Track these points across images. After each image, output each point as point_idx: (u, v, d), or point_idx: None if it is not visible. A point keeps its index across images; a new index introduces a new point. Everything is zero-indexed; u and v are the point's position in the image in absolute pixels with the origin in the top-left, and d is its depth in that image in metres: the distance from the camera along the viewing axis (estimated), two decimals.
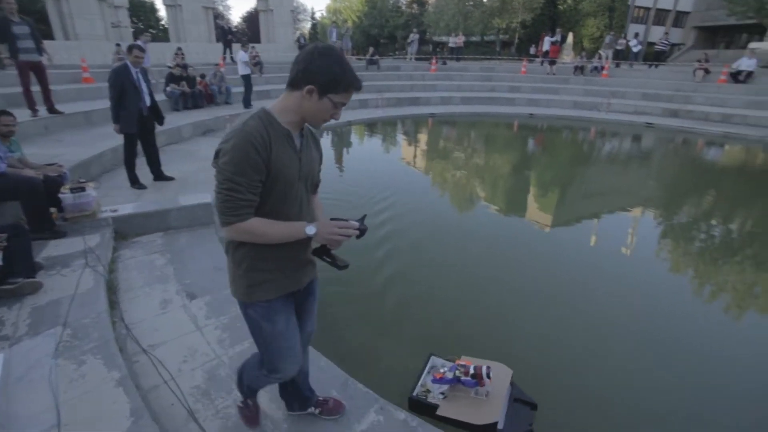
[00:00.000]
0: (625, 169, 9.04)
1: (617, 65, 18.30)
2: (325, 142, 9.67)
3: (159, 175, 5.36)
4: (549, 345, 3.07)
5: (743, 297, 4.09)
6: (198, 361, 2.35)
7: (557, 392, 2.59)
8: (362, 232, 1.39)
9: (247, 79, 10.58)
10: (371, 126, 11.76)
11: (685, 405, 2.58)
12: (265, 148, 1.27)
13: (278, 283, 1.49)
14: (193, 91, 10.07)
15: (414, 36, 21.10)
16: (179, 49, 10.79)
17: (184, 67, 10.14)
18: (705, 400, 2.63)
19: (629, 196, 7.13)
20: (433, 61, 19.49)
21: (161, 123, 5.15)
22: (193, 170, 5.88)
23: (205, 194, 4.42)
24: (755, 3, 16.89)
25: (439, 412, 2.22)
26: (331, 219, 1.42)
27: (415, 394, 2.36)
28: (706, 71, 15.25)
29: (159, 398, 2.10)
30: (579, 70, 17.71)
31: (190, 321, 2.71)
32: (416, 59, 21.07)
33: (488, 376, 2.26)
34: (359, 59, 19.38)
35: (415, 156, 9.32)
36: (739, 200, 7.17)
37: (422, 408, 2.27)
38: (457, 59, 21.65)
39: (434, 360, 2.61)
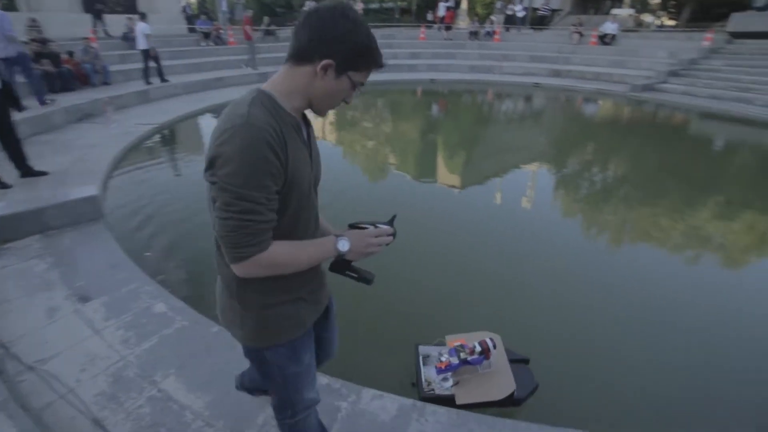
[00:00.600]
0: (520, 127, 9.84)
1: (507, 30, 19.47)
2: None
3: (27, 171, 4.61)
4: (470, 305, 3.31)
5: (631, 231, 4.79)
6: (99, 367, 2.15)
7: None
8: (394, 236, 1.18)
9: (146, 54, 9.50)
10: None
11: (576, 329, 2.98)
12: (282, 146, 0.94)
13: (303, 316, 1.21)
14: (60, 71, 8.67)
15: (310, 4, 20.26)
16: (33, 20, 9.14)
17: (43, 42, 8.64)
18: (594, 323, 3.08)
19: (526, 151, 7.81)
20: None
21: (19, 108, 4.40)
22: (70, 161, 5.15)
23: (90, 187, 3.93)
24: None
25: (459, 402, 2.14)
26: (351, 226, 1.17)
27: (424, 391, 2.22)
28: (580, 34, 16.91)
29: (56, 415, 1.89)
30: (473, 35, 18.54)
31: (85, 326, 2.45)
32: None
33: (494, 347, 2.24)
34: (255, 30, 18.19)
35: (323, 130, 9.17)
36: (614, 148, 8.24)
37: (438, 403, 2.11)
38: None
39: (423, 349, 2.46)
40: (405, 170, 6.74)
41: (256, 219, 0.93)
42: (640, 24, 25.55)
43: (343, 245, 1.08)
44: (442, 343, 2.49)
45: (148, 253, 3.61)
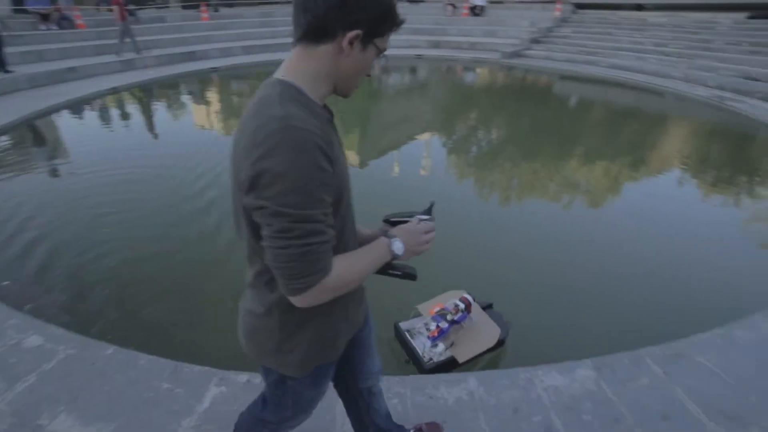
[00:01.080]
0: (409, 98, 10.19)
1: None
2: (92, 116, 7.86)
3: None
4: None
5: (518, 186, 5.30)
6: None
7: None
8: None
9: None
10: (147, 91, 10.03)
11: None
12: (330, 149, 0.78)
13: (344, 336, 1.07)
14: None
15: None
16: None
17: None
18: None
19: (417, 122, 8.14)
20: (203, 8, 17.37)
21: None
22: None
23: None
24: None
25: (461, 360, 2.21)
26: (387, 222, 1.03)
27: (427, 364, 2.21)
28: (454, 6, 17.83)
29: None
30: None
31: None
32: (183, 7, 18.41)
33: (474, 300, 2.43)
34: (110, 10, 15.89)
35: (209, 118, 8.48)
36: (494, 111, 8.98)
37: (444, 369, 2.18)
38: (230, 5, 19.83)
39: (404, 325, 2.44)
40: None
41: (318, 241, 0.78)
42: None
43: (398, 248, 0.94)
44: (419, 314, 2.54)
45: (5, 282, 3.06)
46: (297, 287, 0.80)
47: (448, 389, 1.93)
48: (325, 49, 0.81)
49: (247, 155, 0.74)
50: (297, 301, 0.84)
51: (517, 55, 13.82)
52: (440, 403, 1.85)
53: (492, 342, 2.30)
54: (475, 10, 17.43)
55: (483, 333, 2.36)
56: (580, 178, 5.53)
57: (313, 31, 0.80)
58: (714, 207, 4.86)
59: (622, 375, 2.03)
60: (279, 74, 0.85)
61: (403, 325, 2.46)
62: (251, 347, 1.05)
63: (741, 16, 12.87)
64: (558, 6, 16.49)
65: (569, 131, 7.56)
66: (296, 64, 0.84)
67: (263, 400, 1.26)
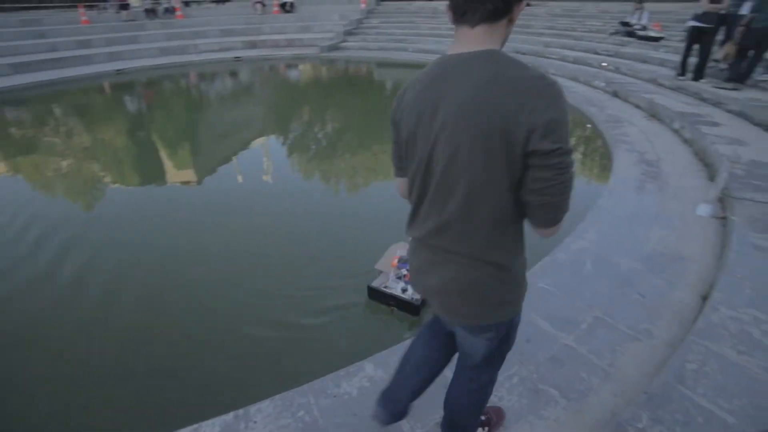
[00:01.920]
0: (236, 103, 9.66)
1: (187, 4, 18.10)
2: None
3: None
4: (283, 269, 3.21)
5: (361, 171, 5.52)
6: None
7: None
8: None
9: None
10: None
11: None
12: None
13: None
14: None
15: None
16: None
17: None
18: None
19: (251, 126, 7.80)
20: None
21: None
22: None
23: None
24: None
25: None
26: None
27: (417, 303, 2.65)
28: (263, 4, 17.39)
29: None
30: (151, 13, 16.43)
31: None
32: None
33: None
34: None
35: None
36: (324, 104, 9.17)
37: (426, 302, 2.59)
38: None
39: (376, 283, 2.83)
40: (126, 180, 5.71)
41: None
42: None
43: None
44: (381, 271, 2.91)
45: None
46: (562, 216, 0.98)
47: (349, 382, 1.98)
48: (502, 23, 0.95)
49: (526, 109, 0.86)
50: (553, 230, 1.01)
51: (335, 48, 14.31)
52: (346, 399, 1.89)
53: None
54: (285, 7, 17.32)
55: None
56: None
57: (500, 12, 0.93)
58: None
59: None
60: (471, 48, 0.95)
61: (375, 283, 2.83)
62: (476, 309, 1.12)
63: None
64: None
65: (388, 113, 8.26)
66: (484, 38, 0.95)
67: (484, 366, 1.34)
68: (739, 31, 6.08)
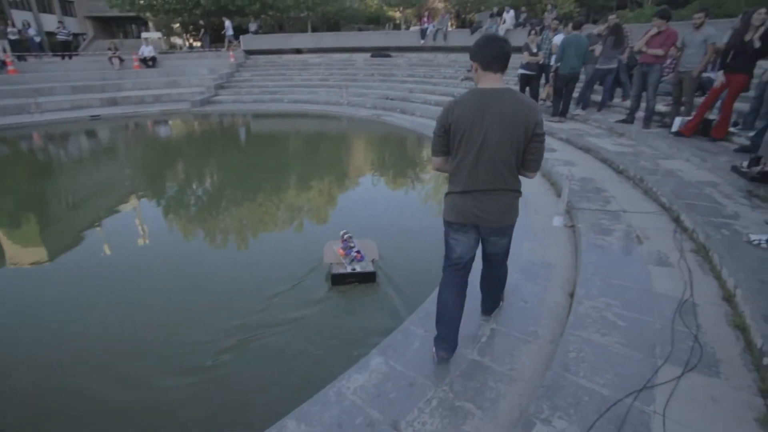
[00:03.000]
0: (98, 166, 8.63)
1: (21, 58, 15.91)
2: None
3: None
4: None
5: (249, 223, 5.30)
6: None
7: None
8: None
9: None
10: None
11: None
12: None
13: None
14: None
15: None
16: None
17: None
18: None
19: (118, 189, 7.01)
20: None
21: None
22: None
23: None
24: None
25: (376, 257, 3.84)
26: None
27: (374, 269, 3.71)
28: (120, 59, 16.17)
29: None
30: None
31: None
32: None
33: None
34: None
35: None
36: (201, 159, 8.73)
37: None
38: None
39: (334, 269, 3.67)
40: None
41: None
42: (173, 46, 27.14)
43: None
44: (332, 263, 3.73)
45: None
46: (540, 166, 2.08)
47: None
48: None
49: (530, 117, 1.89)
50: (535, 174, 2.11)
51: (208, 102, 13.90)
52: None
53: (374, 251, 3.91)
54: (147, 62, 16.33)
55: (368, 246, 3.97)
56: (301, 201, 6.14)
57: (506, 67, 1.94)
58: (407, 193, 6.42)
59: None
60: (498, 85, 1.93)
61: (334, 271, 3.63)
62: (508, 217, 2.13)
63: (366, 55, 17.18)
64: (231, 53, 17.53)
65: (276, 161, 8.29)
66: (500, 79, 1.94)
67: (504, 256, 2.41)
68: (552, 76, 7.66)
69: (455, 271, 2.21)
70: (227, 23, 19.33)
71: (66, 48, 18.13)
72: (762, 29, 4.92)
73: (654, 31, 6.05)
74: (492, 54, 1.87)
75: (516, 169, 2.01)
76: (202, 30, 22.36)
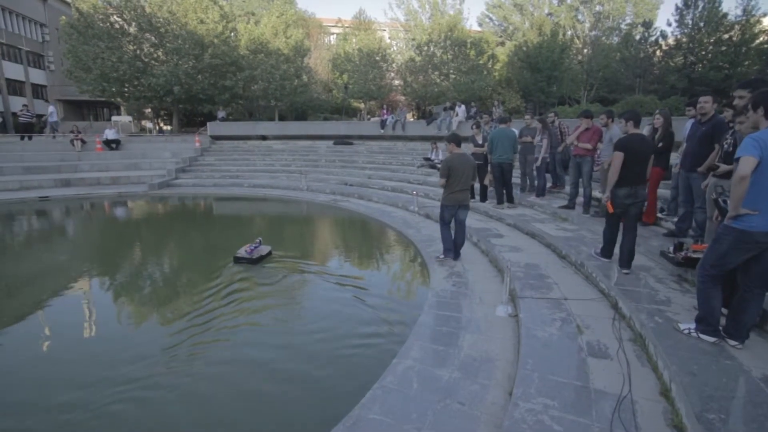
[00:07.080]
0: (45, 248, 8.10)
1: None
2: None
3: None
4: None
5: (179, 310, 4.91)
6: None
7: None
8: None
9: None
10: None
11: None
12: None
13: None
14: None
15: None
16: None
17: None
18: None
19: (65, 272, 6.50)
20: None
21: None
22: None
23: None
24: (97, 85, 19.64)
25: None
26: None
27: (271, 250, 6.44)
28: (83, 141, 16.16)
29: None
30: None
31: None
32: None
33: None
34: None
35: None
36: (157, 242, 8.39)
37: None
38: None
39: (241, 252, 5.91)
40: None
41: None
42: (143, 129, 27.58)
43: None
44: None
45: None
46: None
47: None
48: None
49: (472, 162, 5.77)
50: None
51: (165, 184, 13.82)
52: None
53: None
54: (111, 144, 16.39)
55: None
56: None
57: (460, 144, 5.66)
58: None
59: None
60: (461, 152, 5.55)
61: (240, 253, 5.85)
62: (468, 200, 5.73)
63: (329, 142, 17.99)
64: (197, 138, 17.95)
65: (207, 242, 8.19)
66: (463, 150, 5.86)
67: (464, 221, 5.84)
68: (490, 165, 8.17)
69: (446, 224, 5.64)
70: None
71: (28, 129, 18.10)
72: (660, 131, 5.74)
73: (583, 127, 6.72)
74: (456, 141, 5.43)
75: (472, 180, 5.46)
76: (173, 115, 23.00)
